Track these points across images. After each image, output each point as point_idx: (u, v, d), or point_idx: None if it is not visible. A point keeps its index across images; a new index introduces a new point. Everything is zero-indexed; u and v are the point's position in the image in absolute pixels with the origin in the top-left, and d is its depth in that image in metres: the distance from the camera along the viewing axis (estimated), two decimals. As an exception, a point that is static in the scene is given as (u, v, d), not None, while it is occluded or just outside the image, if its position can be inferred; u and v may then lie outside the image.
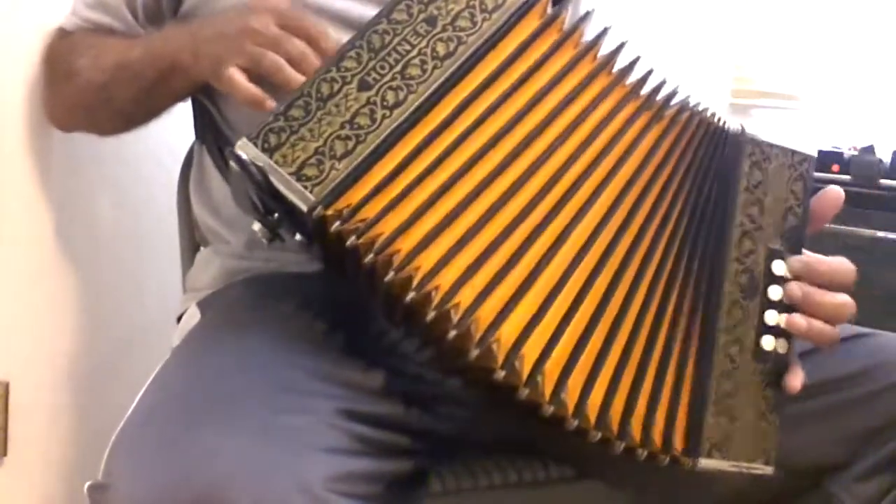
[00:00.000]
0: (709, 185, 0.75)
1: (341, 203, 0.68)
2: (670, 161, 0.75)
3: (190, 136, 1.01)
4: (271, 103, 0.74)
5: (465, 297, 0.67)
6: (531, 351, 0.67)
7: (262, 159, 0.68)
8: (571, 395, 0.68)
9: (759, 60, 2.24)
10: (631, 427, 0.69)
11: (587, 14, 0.77)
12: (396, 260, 0.67)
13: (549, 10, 0.76)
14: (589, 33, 0.77)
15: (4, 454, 1.04)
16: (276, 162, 0.68)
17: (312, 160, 0.68)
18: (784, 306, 0.73)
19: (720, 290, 0.73)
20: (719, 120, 0.76)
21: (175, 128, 1.00)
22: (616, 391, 0.69)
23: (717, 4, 2.20)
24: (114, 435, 0.68)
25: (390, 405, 0.74)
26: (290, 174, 0.68)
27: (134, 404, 0.71)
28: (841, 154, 1.77)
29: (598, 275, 0.71)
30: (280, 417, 0.66)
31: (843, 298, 0.74)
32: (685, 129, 0.75)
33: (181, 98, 0.92)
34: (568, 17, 0.77)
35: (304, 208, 0.67)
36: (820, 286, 0.73)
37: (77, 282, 1.13)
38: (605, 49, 0.76)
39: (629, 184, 0.73)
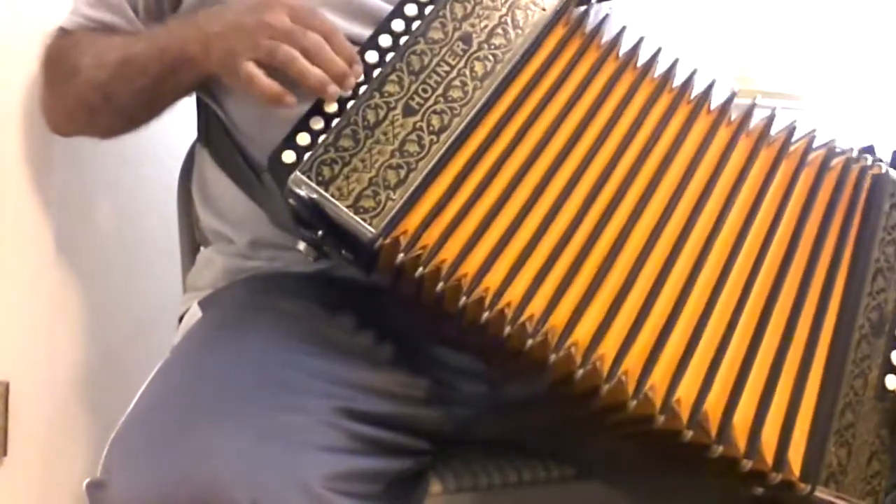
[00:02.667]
0: (850, 220, 0.76)
1: (398, 230, 0.69)
2: (804, 194, 0.77)
3: (190, 137, 1.01)
4: (291, 99, 0.74)
5: (560, 316, 0.68)
6: (609, 348, 0.67)
7: (318, 193, 0.69)
8: (658, 391, 0.66)
9: (760, 60, 2.23)
10: (733, 432, 0.66)
11: (638, 40, 0.81)
12: (466, 285, 0.68)
13: (573, 18, 0.80)
14: (623, 42, 0.81)
15: (4, 454, 1.04)
16: (333, 195, 0.69)
17: (368, 191, 0.70)
18: None
19: (853, 321, 0.73)
20: (865, 159, 0.79)
21: (175, 128, 0.99)
22: (710, 389, 0.67)
23: (720, 5, 2.20)
24: (113, 433, 0.68)
25: (392, 404, 0.74)
26: (348, 207, 0.69)
27: (133, 402, 0.71)
28: (842, 154, 1.76)
29: (696, 275, 0.71)
30: (279, 416, 0.66)
31: None
32: (794, 154, 0.78)
33: (184, 93, 0.91)
34: (592, 25, 0.80)
35: (366, 241, 0.69)
36: None
37: (77, 282, 1.13)
38: (646, 59, 0.80)
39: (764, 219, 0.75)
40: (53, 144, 1.05)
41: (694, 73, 0.80)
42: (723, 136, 0.78)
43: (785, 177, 0.78)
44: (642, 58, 0.80)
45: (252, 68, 0.75)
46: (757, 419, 0.67)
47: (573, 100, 0.76)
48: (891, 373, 0.72)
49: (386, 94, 0.72)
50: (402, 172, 0.70)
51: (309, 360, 0.73)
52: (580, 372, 0.66)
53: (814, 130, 0.80)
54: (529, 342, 0.67)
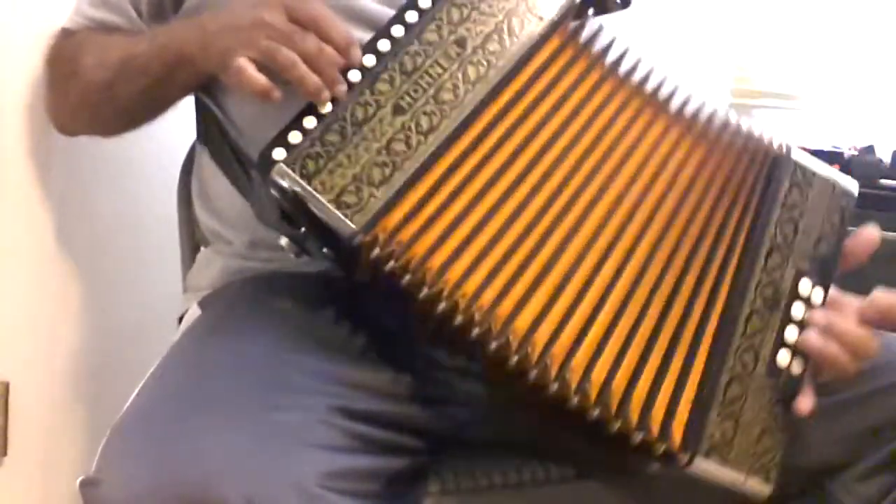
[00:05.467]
0: (747, 196, 0.77)
1: (378, 228, 0.69)
2: (704, 174, 0.78)
3: (189, 137, 1.01)
4: (277, 94, 0.74)
5: (504, 308, 0.69)
6: (541, 335, 0.70)
7: (301, 186, 0.69)
8: (575, 373, 0.69)
9: (759, 60, 2.24)
10: (630, 407, 0.69)
11: (612, 41, 0.80)
12: (429, 277, 0.69)
13: (570, 28, 0.79)
14: (610, 48, 0.80)
15: (4, 454, 1.04)
16: (316, 189, 0.69)
17: (351, 187, 0.69)
18: (805, 326, 0.74)
19: (743, 295, 0.73)
20: (766, 137, 0.79)
21: (175, 128, 1.00)
22: (618, 370, 0.70)
23: (718, 5, 2.20)
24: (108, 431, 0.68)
25: (389, 403, 0.75)
26: (330, 201, 0.69)
27: (129, 401, 0.71)
28: (841, 154, 1.76)
29: (621, 273, 0.73)
30: (274, 415, 0.66)
31: (868, 332, 0.73)
32: (721, 144, 0.79)
33: (187, 92, 0.91)
34: (586, 38, 0.80)
35: (346, 236, 0.69)
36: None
37: (77, 282, 1.13)
38: (629, 64, 0.80)
39: (664, 194, 0.76)
40: (53, 144, 1.05)
41: (687, 94, 0.80)
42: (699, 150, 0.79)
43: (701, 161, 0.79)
44: (624, 70, 0.80)
45: (243, 61, 0.75)
46: (651, 394, 0.70)
47: (552, 111, 0.76)
48: (784, 348, 0.73)
49: (377, 93, 0.72)
50: (387, 171, 0.70)
51: (306, 359, 0.73)
52: (515, 358, 0.68)
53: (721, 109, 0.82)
54: (476, 330, 0.69)
